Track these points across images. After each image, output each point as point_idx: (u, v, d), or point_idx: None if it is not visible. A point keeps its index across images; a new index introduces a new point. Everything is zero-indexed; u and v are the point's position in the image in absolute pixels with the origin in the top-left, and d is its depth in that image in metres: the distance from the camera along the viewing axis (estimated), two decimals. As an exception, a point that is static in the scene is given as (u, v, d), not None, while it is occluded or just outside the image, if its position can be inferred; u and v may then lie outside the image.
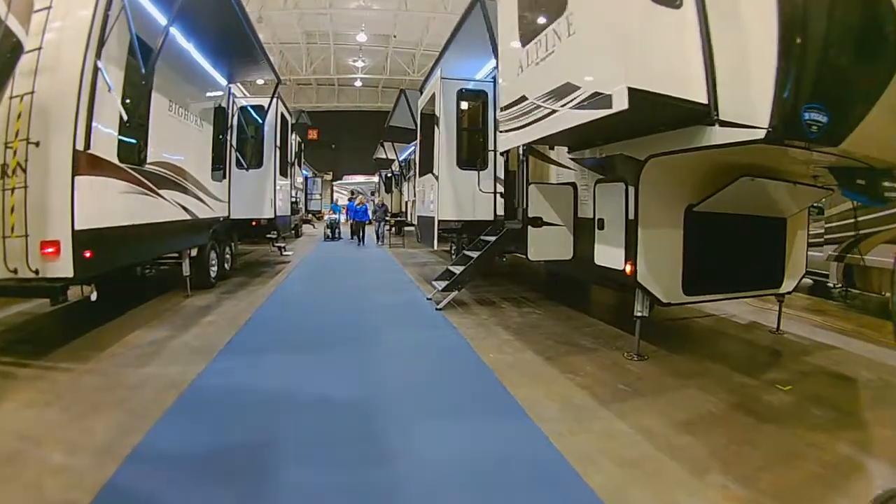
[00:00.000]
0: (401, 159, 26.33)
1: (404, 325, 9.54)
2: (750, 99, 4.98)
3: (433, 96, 12.76)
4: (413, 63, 41.42)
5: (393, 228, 29.86)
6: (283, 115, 16.50)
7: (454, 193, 12.31)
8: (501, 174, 12.17)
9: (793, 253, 8.23)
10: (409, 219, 25.06)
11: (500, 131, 8.27)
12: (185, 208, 10.59)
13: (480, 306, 10.85)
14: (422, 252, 22.63)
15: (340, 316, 10.18)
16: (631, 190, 6.90)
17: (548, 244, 9.13)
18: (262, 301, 11.20)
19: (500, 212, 12.13)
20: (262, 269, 16.37)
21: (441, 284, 10.88)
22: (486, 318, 9.80)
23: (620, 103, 5.15)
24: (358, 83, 45.78)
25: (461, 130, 12.55)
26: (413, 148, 20.51)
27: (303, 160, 27.31)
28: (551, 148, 9.76)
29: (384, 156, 28.44)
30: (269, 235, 16.16)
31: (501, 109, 8.17)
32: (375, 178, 37.32)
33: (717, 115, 5.26)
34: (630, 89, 5.04)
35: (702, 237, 6.96)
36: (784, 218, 8.01)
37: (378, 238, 26.64)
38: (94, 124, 6.96)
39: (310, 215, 37.01)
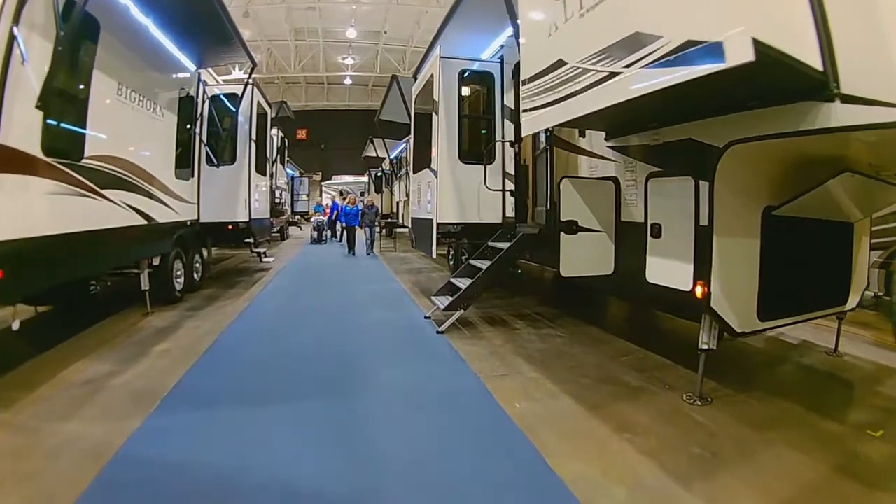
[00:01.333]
0: (392, 157, 24.25)
1: (399, 356, 7.59)
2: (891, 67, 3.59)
3: (430, 80, 10.87)
4: (404, 60, 39.96)
5: (383, 231, 27.04)
6: (259, 104, 14.71)
7: (456, 192, 10.45)
8: (511, 169, 10.32)
9: (858, 263, 6.75)
10: (400, 220, 23.08)
11: (524, 110, 6.42)
12: (140, 212, 8.87)
13: (489, 326, 9.01)
14: (415, 257, 20.71)
15: (320, 344, 8.14)
16: (703, 187, 5.23)
17: (584, 255, 7.20)
18: (229, 321, 9.37)
19: (510, 213, 10.32)
20: (239, 279, 14.49)
21: (442, 301, 9.05)
22: (500, 343, 7.93)
23: (741, 54, 3.43)
24: (347, 81, 44.53)
25: (463, 118, 10.65)
26: (405, 144, 18.67)
27: (286, 157, 25.21)
28: (582, 134, 7.94)
29: (374, 153, 26.37)
30: (247, 240, 14.46)
31: (525, 83, 6.35)
32: (365, 178, 35.18)
33: (838, 87, 3.87)
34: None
35: (780, 248, 5.43)
36: (851, 223, 6.46)
37: (369, 246, 22.06)
38: (4, 106, 5.28)
39: (297, 217, 34.96)
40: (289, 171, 29.58)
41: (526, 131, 6.75)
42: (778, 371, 6.96)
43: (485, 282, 8.77)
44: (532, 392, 5.93)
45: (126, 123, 8.47)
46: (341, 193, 31.86)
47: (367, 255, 21.40)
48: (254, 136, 13.72)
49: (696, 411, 5.39)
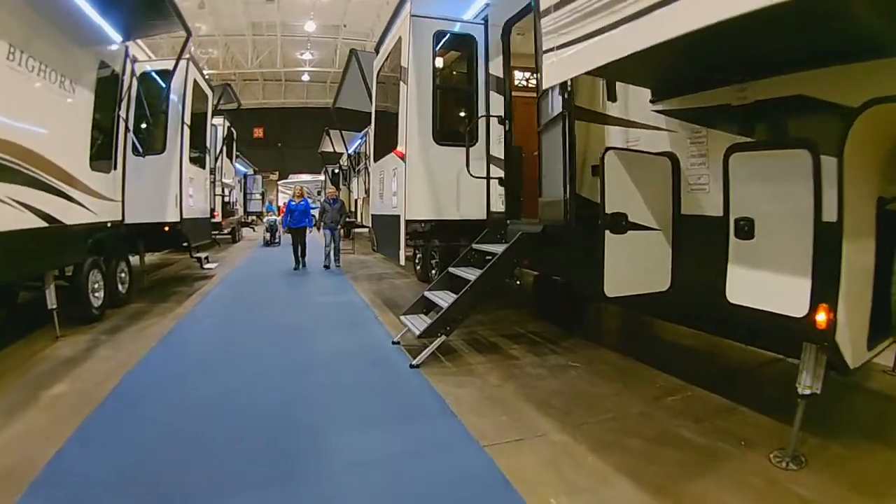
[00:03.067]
0: (350, 151, 21.68)
1: (363, 411, 5.23)
2: None
3: (398, 45, 8.63)
4: (364, 55, 37.57)
5: (342, 230, 24.38)
6: (196, 84, 12.30)
7: (429, 180, 8.23)
8: (499, 152, 8.20)
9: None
10: (359, 219, 20.45)
11: (547, 51, 4.44)
12: (38, 212, 6.88)
13: (477, 354, 6.86)
14: (375, 260, 17.95)
15: (256, 391, 5.70)
16: (828, 165, 3.68)
17: (635, 265, 5.07)
18: (149, 348, 7.18)
19: (496, 206, 8.25)
20: (175, 290, 11.97)
21: (415, 322, 6.90)
22: (498, 382, 5.85)
23: None
24: (305, 77, 42.28)
25: (439, 90, 8.41)
26: (364, 137, 16.20)
27: (234, 151, 22.55)
28: (611, 97, 5.91)
29: (331, 148, 23.75)
30: (185, 245, 12.02)
31: (550, 10, 4.37)
32: (322, 176, 32.54)
33: None
34: None
35: (890, 253, 4.18)
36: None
37: (330, 255, 15.79)
38: None
39: (250, 217, 32.36)
40: (240, 167, 27.39)
41: (551, 80, 4.68)
42: (852, 404, 5.33)
43: (474, 298, 6.57)
44: (568, 473, 3.92)
45: (18, 97, 6.53)
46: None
47: (329, 268, 15.54)
48: (187, 120, 11.31)
49: (794, 480, 3.87)
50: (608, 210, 4.74)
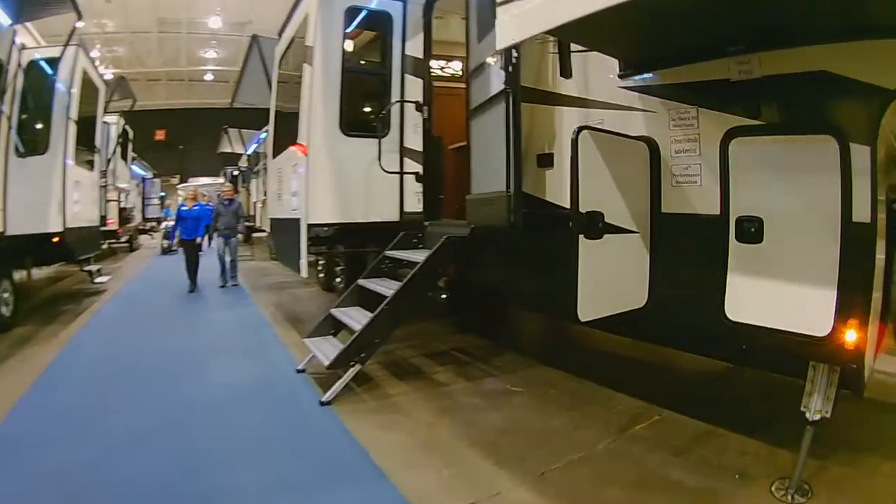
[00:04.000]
0: (249, 151, 19.95)
1: (264, 476, 3.86)
2: None
3: (304, 23, 7.39)
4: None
5: (240, 235, 22.29)
6: (86, 74, 10.61)
7: (335, 178, 6.94)
8: (416, 143, 7.04)
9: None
10: (258, 223, 18.73)
11: (502, 1, 3.44)
12: None
13: (400, 381, 5.67)
14: (276, 266, 15.45)
15: (135, 457, 4.11)
16: (859, 154, 3.04)
17: (613, 277, 4.04)
18: (20, 395, 5.38)
19: (412, 207, 7.12)
20: (64, 309, 10.12)
21: (322, 348, 5.61)
22: (431, 420, 4.74)
23: None
24: (209, 76, 39.90)
25: (349, 73, 7.11)
26: (263, 137, 14.56)
27: (129, 152, 20.37)
28: (564, 72, 4.80)
29: (230, 149, 21.88)
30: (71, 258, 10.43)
31: None
32: (221, 179, 30.35)
33: None
34: None
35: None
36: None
37: (227, 271, 12.49)
38: None
39: (148, 224, 29.96)
40: (137, 170, 25.31)
41: (508, 39, 3.57)
42: (854, 414, 4.37)
43: (392, 318, 5.35)
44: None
45: None
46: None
47: (225, 287, 12.28)
48: (74, 116, 9.63)
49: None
50: (583, 208, 3.67)
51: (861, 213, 3.03)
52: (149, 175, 29.64)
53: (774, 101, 3.53)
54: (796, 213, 3.24)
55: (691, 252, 3.97)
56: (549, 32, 3.65)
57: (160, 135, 39.35)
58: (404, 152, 7.12)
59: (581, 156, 3.67)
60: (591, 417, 4.67)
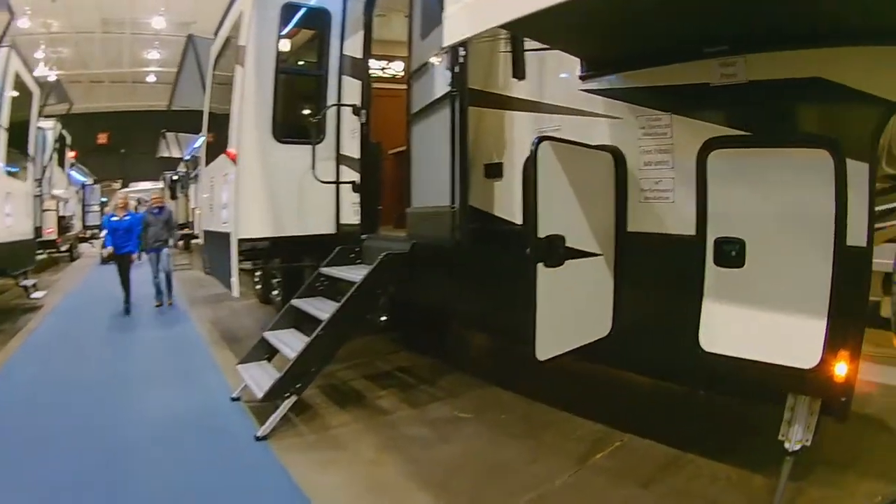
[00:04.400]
0: (187, 156, 19.04)
1: None
2: None
3: (238, 21, 6.81)
4: (213, 56, 34.90)
5: (180, 242, 20.51)
6: (18, 77, 10.01)
7: (268, 188, 6.36)
8: (353, 150, 6.44)
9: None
10: (196, 230, 17.88)
11: None
12: None
13: (340, 409, 5.14)
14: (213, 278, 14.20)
15: None
16: (856, 171, 2.77)
17: (573, 308, 3.57)
18: None
19: (349, 218, 6.53)
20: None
21: (256, 376, 5.04)
22: (374, 456, 4.23)
23: None
24: (151, 78, 38.36)
25: (283, 74, 6.51)
26: (200, 141, 13.83)
27: (65, 158, 19.37)
28: (518, 73, 4.40)
29: (168, 154, 20.91)
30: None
31: None
32: (161, 184, 29.04)
33: None
34: None
35: None
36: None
37: (160, 288, 10.73)
38: None
39: (89, 231, 28.59)
40: (77, 176, 24.10)
41: (457, 34, 3.18)
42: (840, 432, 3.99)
43: (329, 344, 4.82)
44: None
45: None
46: (139, 202, 25.51)
47: (161, 306, 10.56)
48: (3, 122, 9.11)
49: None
50: (542, 232, 3.18)
51: (856, 236, 2.76)
52: (89, 181, 28.32)
53: (761, 109, 3.19)
54: (783, 234, 2.95)
55: (662, 276, 3.61)
56: (506, 27, 3.23)
57: (103, 138, 37.94)
58: (341, 160, 6.59)
59: (541, 171, 3.17)
60: (548, 447, 4.25)
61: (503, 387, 5.52)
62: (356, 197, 6.36)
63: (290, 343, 5.03)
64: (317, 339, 4.65)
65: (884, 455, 4.01)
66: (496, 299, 4.56)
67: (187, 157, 18.94)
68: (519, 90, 4.38)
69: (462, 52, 4.08)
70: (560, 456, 4.08)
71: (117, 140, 39.06)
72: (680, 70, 3.40)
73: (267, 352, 5.41)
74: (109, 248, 9.95)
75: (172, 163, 22.31)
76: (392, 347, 7.12)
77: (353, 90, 6.40)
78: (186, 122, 14.86)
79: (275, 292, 9.34)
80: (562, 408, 4.92)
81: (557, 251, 3.24)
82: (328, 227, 6.65)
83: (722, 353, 3.11)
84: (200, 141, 14.17)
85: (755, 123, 3.20)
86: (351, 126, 6.41)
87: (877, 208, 3.10)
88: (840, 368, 2.85)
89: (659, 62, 3.47)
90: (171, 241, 10.73)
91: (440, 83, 4.41)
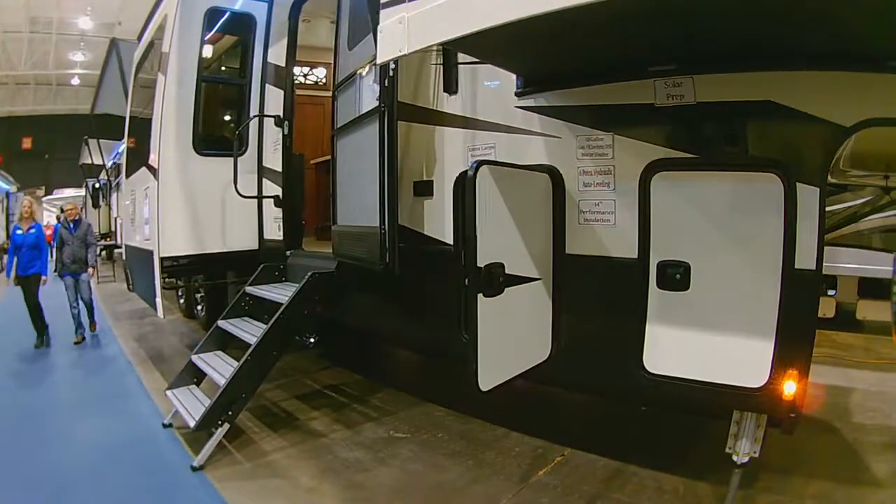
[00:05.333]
0: (109, 164, 17.91)
1: None
2: None
3: (162, 26, 6.34)
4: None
5: (103, 253, 19.29)
6: None
7: (189, 202, 5.91)
8: (275, 163, 6.00)
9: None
10: (119, 241, 16.80)
11: (388, 4, 2.71)
12: None
13: (273, 433, 4.79)
14: None
15: None
16: (806, 195, 2.73)
17: (512, 335, 3.27)
18: None
19: (273, 234, 6.09)
20: None
21: (186, 402, 4.68)
22: (313, 483, 3.97)
23: None
24: (76, 81, 36.27)
25: (204, 83, 6.03)
26: (122, 148, 12.88)
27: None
28: (450, 89, 4.11)
29: (90, 160, 19.63)
30: None
31: None
32: (83, 191, 27.04)
33: None
34: None
35: None
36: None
37: (83, 323, 8.43)
38: None
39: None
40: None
41: (391, 51, 2.77)
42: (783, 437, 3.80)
43: (258, 369, 4.47)
44: None
45: None
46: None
47: (83, 342, 8.27)
48: None
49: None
50: (481, 262, 2.89)
51: (806, 259, 2.71)
52: (12, 189, 26.64)
53: (708, 131, 3.06)
54: (731, 258, 2.89)
55: (603, 299, 3.44)
56: (446, 44, 2.93)
57: (27, 143, 36.22)
58: (263, 173, 6.18)
59: (480, 198, 2.86)
60: (488, 465, 4.09)
61: (436, 402, 5.30)
62: (279, 212, 5.94)
63: (219, 367, 4.69)
64: (245, 365, 4.32)
65: (829, 456, 4.06)
66: (427, 319, 4.34)
67: (110, 165, 17.80)
68: (451, 105, 4.10)
69: (392, 66, 3.77)
70: (501, 475, 3.93)
71: (41, 145, 37.09)
72: (623, 89, 3.21)
73: (195, 376, 5.03)
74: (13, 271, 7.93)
75: (95, 170, 20.99)
76: (320, 364, 6.76)
77: (276, 100, 5.98)
78: (110, 127, 13.97)
79: (199, 307, 8.73)
80: (498, 423, 4.76)
81: (497, 279, 2.99)
82: (251, 243, 6.26)
83: (667, 374, 3.03)
84: (122, 148, 13.31)
85: (703, 145, 3.08)
86: (273, 137, 5.99)
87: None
88: (789, 387, 2.78)
89: (601, 80, 3.26)
90: (91, 260, 8.28)
91: (368, 97, 4.10)
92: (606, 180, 3.31)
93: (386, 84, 3.79)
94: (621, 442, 4.24)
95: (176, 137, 5.76)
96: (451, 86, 4.06)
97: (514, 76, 3.61)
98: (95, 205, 20.67)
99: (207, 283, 7.49)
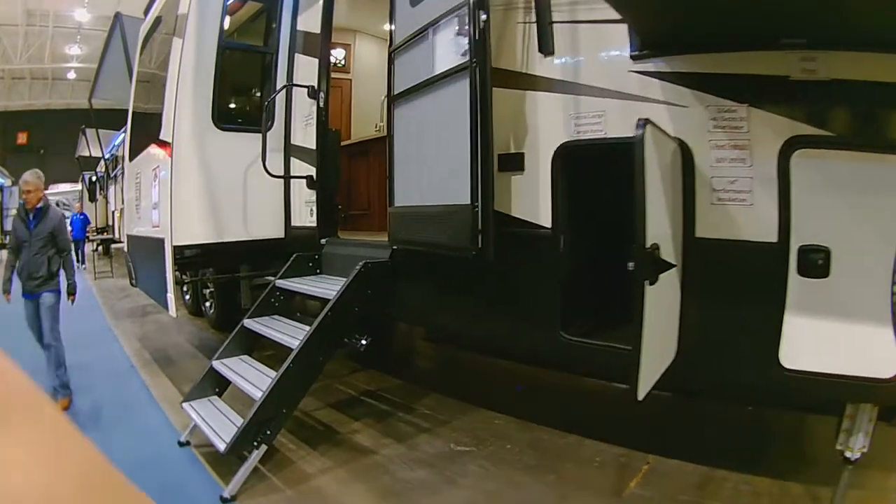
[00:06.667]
0: (107, 155, 16.82)
1: None
2: None
3: (174, -6, 5.41)
4: (136, 52, 32.42)
5: (99, 248, 18.27)
6: None
7: (207, 184, 4.97)
8: (307, 140, 5.08)
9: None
10: (117, 235, 15.67)
11: None
12: None
13: (312, 451, 3.88)
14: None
15: None
16: None
17: (660, 332, 2.62)
18: None
19: (304, 221, 5.18)
20: None
21: (209, 416, 3.71)
22: None
23: None
24: (71, 75, 35.05)
25: (227, 51, 5.10)
26: (122, 137, 11.73)
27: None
28: (545, 48, 3.29)
29: (88, 152, 18.48)
30: None
31: None
32: (80, 185, 24.73)
33: None
34: None
35: None
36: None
37: (56, 376, 4.72)
38: None
39: (7, 237, 25.26)
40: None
41: None
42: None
43: (303, 378, 3.61)
44: None
45: None
46: (57, 205, 22.32)
47: (69, 402, 4.77)
48: None
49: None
50: (649, 240, 2.29)
51: None
52: (7, 183, 25.43)
53: (846, 109, 2.70)
54: (872, 243, 2.56)
55: (736, 288, 2.87)
56: None
57: (22, 138, 35.29)
58: (291, 151, 5.28)
59: (648, 163, 2.32)
60: (573, 479, 3.44)
61: (492, 408, 4.50)
62: (311, 195, 5.04)
63: (248, 375, 3.79)
64: (287, 374, 3.44)
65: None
66: (511, 318, 3.51)
67: (108, 156, 16.72)
68: (546, 68, 3.34)
69: (482, 16, 3.03)
70: (590, 489, 3.34)
71: (36, 140, 36.03)
72: (756, 58, 2.74)
73: (216, 385, 4.12)
74: None
75: (92, 162, 19.86)
76: (348, 366, 5.83)
77: (306, 70, 5.10)
78: (107, 121, 12.99)
79: (207, 304, 7.62)
80: (566, 430, 4.04)
81: (660, 264, 2.41)
82: (275, 231, 5.36)
83: (803, 369, 2.68)
84: (121, 137, 12.21)
85: (839, 124, 2.69)
86: (304, 112, 5.11)
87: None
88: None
89: (731, 47, 2.77)
90: (69, 275, 4.99)
91: (447, 54, 3.31)
92: (742, 156, 2.78)
93: (477, 36, 3.01)
94: (697, 444, 3.77)
95: (194, 108, 4.85)
96: (546, 46, 3.30)
97: (624, 37, 2.99)
98: (92, 198, 19.64)
99: (220, 277, 6.52)
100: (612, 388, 4.59)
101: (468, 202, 3.02)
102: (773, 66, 2.70)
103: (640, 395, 2.36)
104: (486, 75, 3.06)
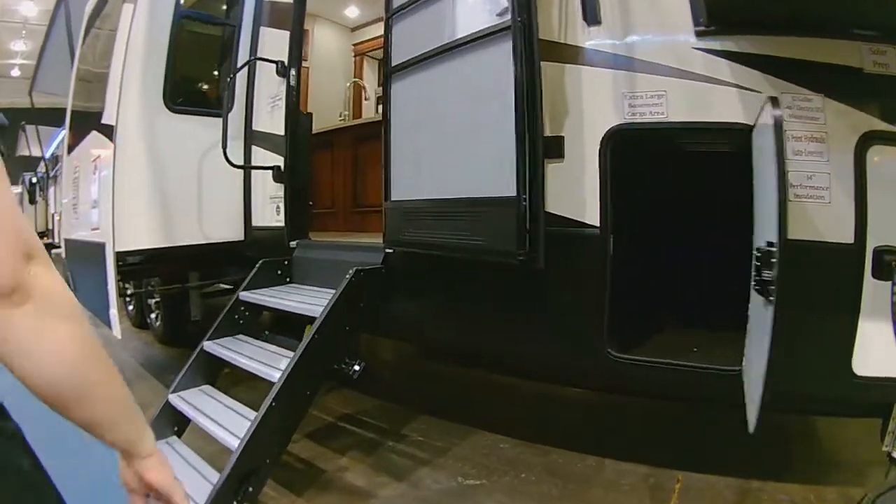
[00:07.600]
0: (47, 155, 15.48)
1: None
2: None
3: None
4: (88, 48, 30.91)
5: None
6: None
7: (156, 177, 4.06)
8: (274, 125, 4.24)
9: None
10: (57, 239, 14.38)
11: None
12: None
13: (298, 499, 2.98)
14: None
15: None
16: None
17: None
18: None
19: (268, 220, 4.33)
20: None
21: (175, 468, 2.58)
22: None
23: None
24: (16, 72, 32.96)
25: (183, 20, 4.18)
26: (63, 131, 10.67)
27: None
28: (590, 17, 2.66)
29: (28, 152, 17.00)
30: None
31: None
32: (20, 188, 23.44)
33: None
34: None
35: None
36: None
37: None
38: None
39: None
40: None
41: None
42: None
43: (289, 418, 2.77)
44: None
45: None
46: None
47: None
48: None
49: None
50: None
51: None
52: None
53: None
54: None
55: (809, 292, 2.53)
56: None
57: (-31, 144, 32.91)
58: (253, 137, 4.42)
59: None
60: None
61: (492, 430, 3.79)
62: (278, 189, 4.20)
63: (215, 415, 2.91)
64: (269, 415, 2.59)
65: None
66: (544, 332, 2.87)
67: (48, 156, 15.38)
68: (593, 39, 2.76)
69: None
70: None
71: (-21, 144, 33.91)
72: (831, 46, 2.54)
73: (174, 423, 3.23)
74: None
75: (33, 162, 18.31)
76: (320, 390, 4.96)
77: (274, 45, 4.26)
78: (51, 121, 11.99)
79: (153, 315, 6.45)
80: (581, 450, 3.48)
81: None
82: (233, 232, 4.49)
83: (876, 375, 2.54)
84: (62, 135, 11.08)
85: None
86: (270, 92, 4.28)
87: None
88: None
89: (806, 32, 2.52)
90: None
91: (477, 13, 2.62)
92: (820, 149, 2.53)
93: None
94: (720, 454, 3.36)
95: (142, 86, 3.95)
96: (594, 14, 2.72)
97: (682, 10, 2.56)
98: (32, 200, 18.01)
99: (168, 287, 5.52)
100: (627, 402, 4.13)
101: (513, 194, 2.33)
102: (848, 56, 2.48)
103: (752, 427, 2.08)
104: (534, 37, 2.42)
